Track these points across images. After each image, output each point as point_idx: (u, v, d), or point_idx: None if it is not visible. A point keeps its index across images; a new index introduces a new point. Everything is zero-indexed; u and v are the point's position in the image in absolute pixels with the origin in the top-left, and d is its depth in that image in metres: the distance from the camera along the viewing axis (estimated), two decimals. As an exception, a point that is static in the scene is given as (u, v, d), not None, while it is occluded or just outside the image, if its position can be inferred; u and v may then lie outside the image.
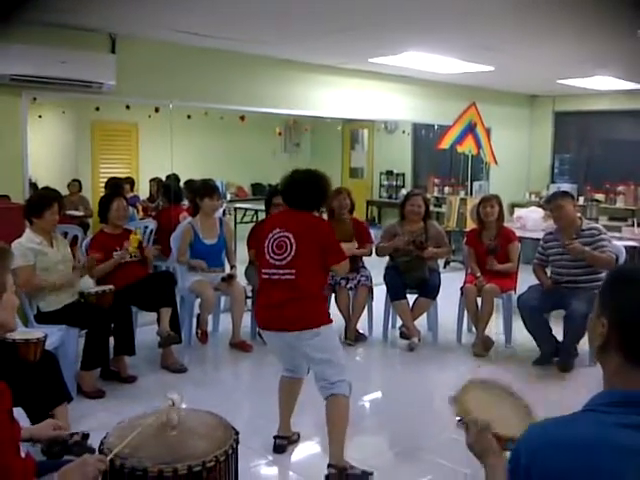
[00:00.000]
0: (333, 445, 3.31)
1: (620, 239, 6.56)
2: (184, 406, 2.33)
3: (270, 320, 3.40)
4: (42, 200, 4.32)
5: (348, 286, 5.57)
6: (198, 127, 9.22)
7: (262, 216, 7.62)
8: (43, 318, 4.26)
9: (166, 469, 2.03)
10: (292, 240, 3.33)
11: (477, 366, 5.07)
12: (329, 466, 3.28)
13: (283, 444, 3.65)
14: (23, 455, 1.90)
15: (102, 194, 6.14)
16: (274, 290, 3.36)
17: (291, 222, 3.41)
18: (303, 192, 3.44)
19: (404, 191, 10.27)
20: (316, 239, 3.35)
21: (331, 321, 3.44)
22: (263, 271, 3.42)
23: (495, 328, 5.58)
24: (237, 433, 2.28)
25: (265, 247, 3.40)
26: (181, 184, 7.71)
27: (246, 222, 10.08)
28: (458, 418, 1.82)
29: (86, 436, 3.44)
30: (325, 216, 5.57)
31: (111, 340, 4.48)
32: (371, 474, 3.33)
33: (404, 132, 11.37)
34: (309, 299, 3.33)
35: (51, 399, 3.44)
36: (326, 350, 3.35)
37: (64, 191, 8.12)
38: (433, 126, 9.86)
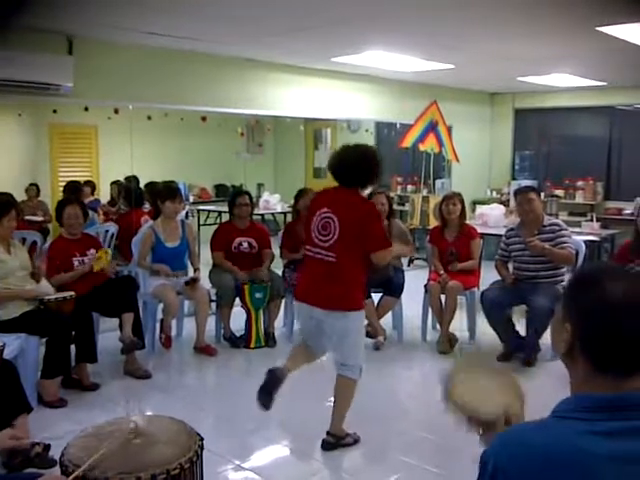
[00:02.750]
0: (334, 417, 3.63)
1: (580, 234, 6.67)
2: (148, 413, 2.29)
3: (307, 294, 3.54)
4: (-2, 207, 4.20)
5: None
6: (158, 128, 9.10)
7: (225, 217, 7.56)
8: (1, 327, 4.14)
9: (128, 478, 1.99)
10: (336, 223, 3.37)
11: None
12: (327, 433, 3.63)
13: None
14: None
15: (61, 198, 6.03)
16: (316, 267, 3.47)
17: (337, 203, 3.43)
18: (351, 167, 3.42)
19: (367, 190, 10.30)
20: (358, 223, 3.35)
21: (362, 308, 3.53)
22: (307, 248, 3.54)
23: (459, 325, 5.62)
24: (202, 439, 2.25)
25: (312, 225, 3.48)
26: (142, 186, 7.60)
27: (210, 224, 9.98)
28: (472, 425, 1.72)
29: (47, 447, 3.40)
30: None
31: (72, 347, 4.39)
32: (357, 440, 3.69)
33: (367, 131, 11.39)
34: (346, 283, 3.41)
35: (11, 409, 3.36)
36: (349, 334, 3.47)
37: (22, 196, 7.95)
38: (395, 125, 9.92)
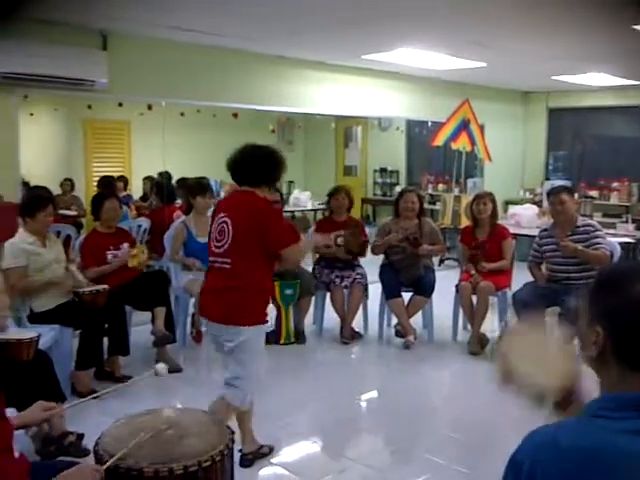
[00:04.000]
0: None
1: (614, 236, 6.56)
2: (179, 405, 2.31)
3: (205, 308, 3.28)
4: (35, 201, 4.26)
5: (343, 284, 5.56)
6: (191, 125, 9.17)
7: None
8: (36, 318, 4.22)
9: (162, 469, 2.01)
10: (229, 226, 3.11)
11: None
12: (242, 454, 3.39)
13: (249, 459, 3.44)
14: (17, 455, 1.87)
15: (95, 193, 6.10)
16: (213, 277, 3.21)
17: (232, 205, 3.21)
18: (246, 164, 3.20)
19: (398, 189, 10.25)
20: (253, 223, 3.07)
21: (261, 322, 3.16)
22: (210, 258, 3.25)
23: (490, 325, 5.57)
24: (232, 432, 2.27)
25: (211, 233, 3.25)
26: (174, 182, 7.67)
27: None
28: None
29: (81, 436, 3.46)
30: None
31: (105, 340, 4.45)
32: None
33: (398, 129, 11.36)
34: (243, 290, 3.07)
35: (45, 399, 3.39)
36: (241, 352, 3.11)
37: (56, 190, 8.06)
38: (427, 123, 9.86)
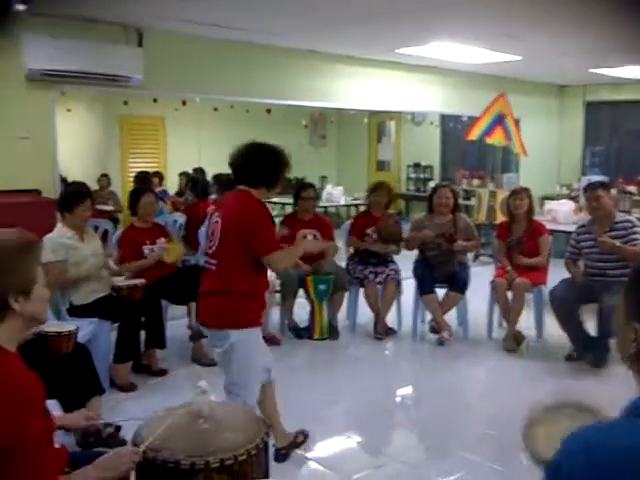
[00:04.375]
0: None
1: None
2: (213, 397, 2.32)
3: (198, 311, 3.23)
4: (74, 195, 4.34)
5: (377, 280, 5.54)
6: (224, 120, 9.24)
7: (289, 209, 7.60)
8: (75, 311, 4.29)
9: (198, 462, 2.02)
10: (219, 226, 3.02)
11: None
12: (277, 450, 3.37)
13: (284, 453, 3.44)
14: (57, 446, 1.91)
15: (131, 188, 6.18)
16: (204, 279, 3.14)
17: (226, 205, 3.11)
18: (246, 163, 3.07)
19: (432, 184, 10.19)
20: (240, 224, 2.95)
21: (250, 325, 3.03)
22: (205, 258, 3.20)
23: (526, 322, 5.50)
24: (268, 426, 2.27)
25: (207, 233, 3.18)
26: (208, 177, 7.73)
27: (273, 216, 10.07)
28: None
29: (119, 428, 3.51)
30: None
31: (142, 333, 4.51)
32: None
33: (432, 124, 11.29)
34: (229, 294, 2.98)
35: (84, 391, 3.48)
36: (233, 358, 3.02)
37: (93, 186, 8.19)
38: (461, 117, 9.77)
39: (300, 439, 3.53)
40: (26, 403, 1.71)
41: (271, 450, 3.39)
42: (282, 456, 3.43)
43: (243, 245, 2.95)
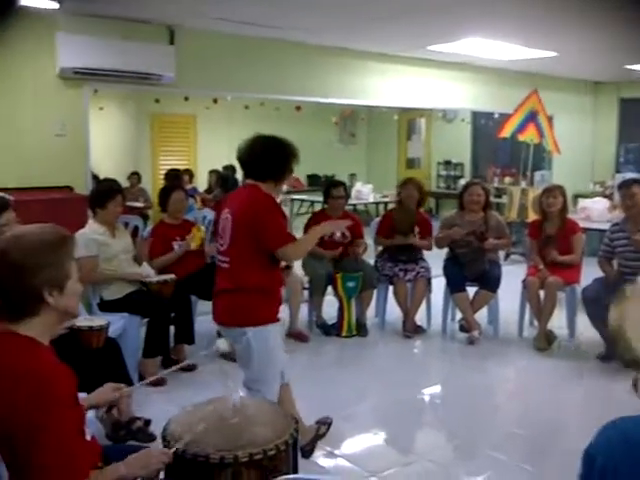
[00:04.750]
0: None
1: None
2: (241, 393, 2.33)
3: (214, 310, 3.18)
4: (106, 192, 4.41)
5: (406, 278, 5.51)
6: (255, 118, 9.26)
7: (318, 207, 7.61)
8: (106, 306, 4.35)
9: (227, 456, 2.03)
10: (230, 223, 2.98)
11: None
12: (302, 448, 3.26)
13: (308, 450, 3.42)
14: (89, 438, 1.93)
15: (161, 186, 6.23)
16: (218, 276, 3.10)
17: (236, 201, 3.05)
18: (253, 156, 3.03)
19: (462, 181, 10.12)
20: (250, 220, 2.91)
21: (268, 322, 3.02)
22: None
23: (558, 322, 5.42)
24: (297, 422, 2.27)
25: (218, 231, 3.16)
26: (238, 175, 7.77)
27: (302, 213, 10.10)
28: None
29: (148, 422, 3.54)
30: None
31: (171, 329, 4.54)
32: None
33: (463, 121, 11.20)
34: (243, 291, 2.96)
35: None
36: (252, 355, 2.99)
37: (124, 183, 8.28)
38: (493, 114, 9.67)
39: (322, 430, 3.50)
40: (59, 396, 1.73)
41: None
42: (307, 452, 3.42)
43: (254, 241, 2.92)
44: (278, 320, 3.12)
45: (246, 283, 2.96)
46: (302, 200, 10.57)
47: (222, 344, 2.41)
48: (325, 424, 3.53)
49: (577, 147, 9.76)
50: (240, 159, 3.09)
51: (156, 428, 3.35)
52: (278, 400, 3.16)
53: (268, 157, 3.01)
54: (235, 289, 2.97)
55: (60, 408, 1.72)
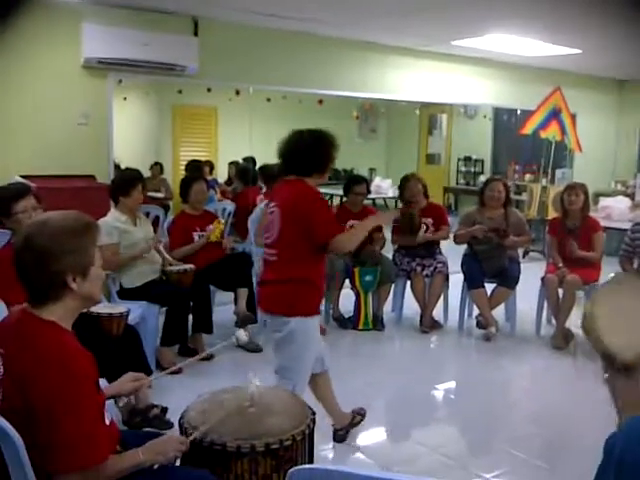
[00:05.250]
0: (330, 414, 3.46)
1: None
2: (258, 382, 2.35)
3: (259, 299, 3.30)
4: (129, 179, 4.46)
5: (424, 273, 5.51)
6: (277, 111, 9.25)
7: (337, 201, 7.61)
8: (125, 294, 4.39)
9: (244, 445, 2.05)
10: (278, 216, 3.04)
11: None
12: (335, 430, 3.48)
13: (342, 434, 3.52)
14: (108, 423, 1.96)
15: (182, 177, 6.27)
16: (264, 269, 3.18)
17: (282, 195, 3.10)
18: (293, 153, 3.08)
19: (482, 178, 10.05)
20: (300, 213, 2.97)
21: (310, 314, 3.09)
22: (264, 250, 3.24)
23: (576, 320, 5.39)
24: (314, 413, 2.29)
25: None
26: (257, 167, 7.78)
27: (321, 206, 10.09)
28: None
29: (165, 410, 3.58)
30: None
31: (190, 318, 4.58)
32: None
33: (485, 117, 11.11)
34: (289, 282, 3.03)
35: (133, 372, 3.54)
36: (290, 343, 3.07)
37: (146, 173, 8.31)
38: (515, 111, 9.59)
39: (357, 419, 3.57)
40: (81, 379, 1.76)
41: (330, 431, 3.48)
42: (340, 436, 3.50)
43: (303, 234, 2.97)
44: (318, 313, 3.21)
45: (293, 275, 3.02)
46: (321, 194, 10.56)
47: (241, 335, 2.44)
48: (360, 414, 3.61)
49: (599, 145, 9.66)
50: (282, 156, 3.14)
51: (172, 415, 3.39)
52: (318, 386, 3.31)
53: (310, 152, 3.06)
54: (283, 280, 3.04)
55: (82, 391, 1.76)
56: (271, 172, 5.85)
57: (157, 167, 9.49)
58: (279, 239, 3.04)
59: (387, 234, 5.84)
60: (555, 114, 7.84)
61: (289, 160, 3.11)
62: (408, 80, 7.60)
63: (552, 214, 7.13)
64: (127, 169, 5.55)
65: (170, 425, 3.40)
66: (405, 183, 5.63)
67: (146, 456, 1.90)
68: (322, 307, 5.55)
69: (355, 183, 5.62)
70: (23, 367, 1.75)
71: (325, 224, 2.97)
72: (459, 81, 8.06)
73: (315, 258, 3.07)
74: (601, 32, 6.12)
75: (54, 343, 1.78)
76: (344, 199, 5.76)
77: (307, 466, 1.50)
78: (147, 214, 5.37)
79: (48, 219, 1.87)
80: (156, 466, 1.91)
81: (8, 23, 5.04)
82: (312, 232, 2.96)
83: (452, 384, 4.71)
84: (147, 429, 3.36)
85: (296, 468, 1.40)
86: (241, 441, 2.06)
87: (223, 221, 5.25)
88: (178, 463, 2.08)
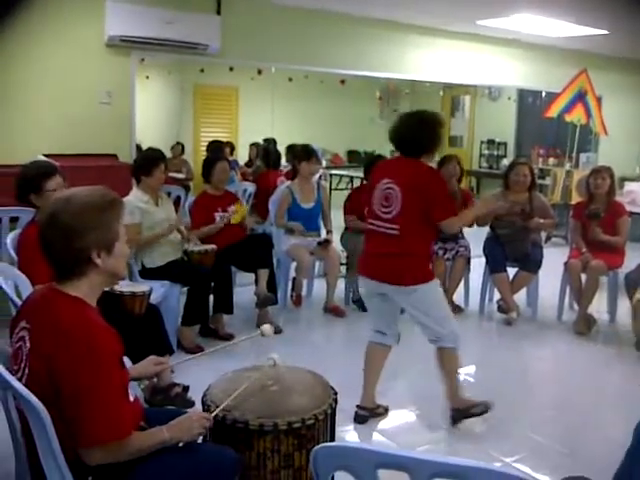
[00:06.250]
0: (446, 391, 3.54)
1: None
2: (276, 355, 2.36)
3: (373, 269, 3.40)
4: (151, 159, 4.46)
5: (446, 256, 5.47)
6: (298, 91, 9.18)
7: (357, 183, 7.58)
8: (147, 273, 4.41)
9: (267, 423, 2.06)
10: (399, 193, 3.23)
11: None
12: (451, 410, 3.53)
13: (364, 415, 3.56)
14: (132, 399, 1.97)
15: (203, 157, 6.26)
16: (379, 241, 3.34)
17: (400, 173, 3.30)
18: (410, 134, 3.29)
19: (505, 161, 9.94)
20: (423, 192, 3.20)
21: (432, 278, 3.35)
22: (369, 221, 3.42)
23: (598, 306, 5.34)
24: (336, 393, 2.29)
25: (372, 197, 3.37)
26: (279, 148, 7.75)
27: (341, 189, 10.06)
28: None
29: (186, 388, 3.60)
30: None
31: (210, 298, 4.59)
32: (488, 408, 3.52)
33: (509, 99, 10.96)
34: (411, 256, 3.27)
35: (154, 351, 3.54)
36: (429, 307, 3.34)
37: (167, 153, 8.31)
38: (540, 93, 9.45)
39: (476, 410, 3.57)
40: (106, 354, 1.77)
41: (350, 411, 3.50)
42: (454, 419, 3.54)
43: (423, 211, 3.21)
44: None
45: (413, 249, 3.27)
46: (341, 176, 10.51)
47: (267, 329, 2.44)
48: (480, 407, 3.56)
49: (625, 129, 9.50)
50: (397, 140, 3.35)
51: (193, 394, 3.41)
52: (447, 362, 3.46)
53: (424, 134, 3.28)
54: (404, 254, 3.26)
55: (107, 366, 1.76)
56: (296, 151, 5.83)
57: (178, 147, 9.46)
58: (401, 215, 3.23)
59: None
60: (580, 97, 7.71)
61: (404, 142, 3.32)
62: (431, 60, 7.52)
63: (576, 199, 7.04)
64: (150, 149, 5.55)
65: (191, 404, 3.42)
66: (445, 163, 5.60)
67: (171, 434, 1.91)
68: (342, 290, 5.62)
69: (373, 163, 5.58)
70: (49, 342, 1.76)
71: (443, 204, 3.24)
72: (484, 62, 7.96)
73: (431, 234, 3.38)
74: (628, 12, 5.98)
75: (79, 318, 1.79)
76: (364, 182, 5.73)
77: (332, 444, 1.50)
78: (168, 194, 5.37)
79: (72, 195, 1.87)
80: (181, 444, 1.92)
81: (32, 1, 5.04)
82: (431, 210, 3.21)
83: (472, 368, 4.68)
84: (169, 407, 3.38)
85: (321, 445, 1.40)
86: (264, 419, 2.07)
87: (245, 204, 5.25)
88: (201, 440, 2.09)
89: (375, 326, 3.60)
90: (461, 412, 3.52)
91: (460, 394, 3.54)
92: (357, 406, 3.56)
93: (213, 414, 2.06)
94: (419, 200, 3.20)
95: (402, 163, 3.36)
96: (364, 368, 3.61)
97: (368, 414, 3.56)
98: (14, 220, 4.32)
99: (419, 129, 3.28)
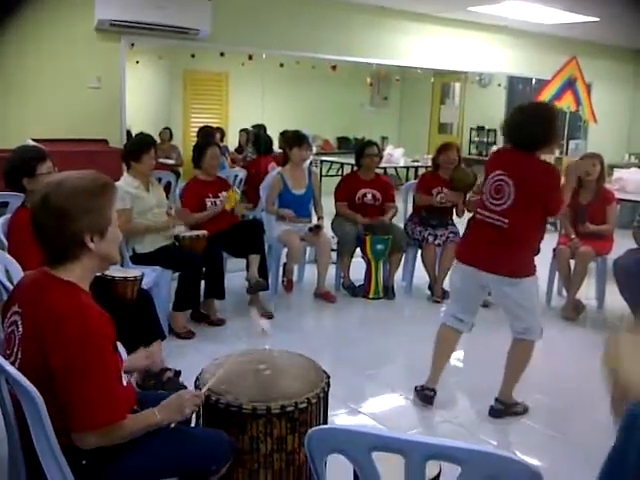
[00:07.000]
0: (504, 382, 3.54)
1: None
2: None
3: (477, 257, 3.38)
4: (141, 144, 4.44)
5: (436, 242, 5.49)
6: (289, 76, 9.14)
7: (347, 170, 7.57)
8: (138, 259, 4.40)
9: (260, 407, 2.07)
10: (512, 187, 3.21)
11: None
12: (496, 400, 3.53)
13: (430, 395, 3.61)
14: (125, 383, 1.98)
15: (193, 143, 6.23)
16: (486, 231, 3.33)
17: (514, 166, 3.25)
18: (527, 129, 3.21)
19: (495, 148, 9.96)
20: (539, 189, 3.18)
21: (534, 274, 3.37)
22: (478, 211, 3.41)
23: (587, 292, 5.38)
24: (328, 377, 2.30)
25: (485, 188, 3.37)
26: (270, 133, 7.73)
27: (331, 175, 10.05)
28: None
29: (178, 373, 3.61)
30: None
31: (202, 284, 4.59)
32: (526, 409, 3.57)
33: (499, 85, 10.97)
34: (518, 248, 3.27)
35: (146, 336, 3.56)
36: (526, 300, 3.36)
37: (157, 139, 8.27)
38: (530, 80, 9.47)
39: (518, 409, 3.59)
40: (100, 338, 1.78)
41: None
42: (495, 412, 3.56)
43: (539, 204, 3.21)
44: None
45: (525, 242, 3.29)
46: (331, 162, 10.50)
47: (266, 325, 2.44)
48: (521, 407, 3.61)
49: (614, 117, 9.55)
50: (512, 134, 3.30)
51: (185, 379, 3.42)
52: (522, 354, 3.53)
53: (541, 129, 3.22)
54: (512, 245, 3.26)
55: (100, 350, 1.77)
56: (287, 137, 5.83)
57: (166, 132, 9.39)
58: (513, 208, 3.21)
59: (399, 204, 5.82)
60: (570, 84, 7.70)
61: (518, 137, 3.26)
62: (422, 46, 7.51)
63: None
64: (140, 134, 5.52)
65: (183, 388, 3.43)
66: (445, 149, 5.62)
67: (162, 415, 1.92)
68: (332, 274, 5.64)
69: (366, 146, 5.64)
70: (42, 326, 1.76)
71: (559, 197, 3.24)
72: (474, 48, 7.96)
73: (542, 227, 3.35)
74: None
75: (72, 302, 1.79)
76: (355, 168, 5.75)
77: (327, 426, 1.51)
78: (159, 180, 5.36)
79: (65, 179, 1.86)
80: (173, 425, 1.93)
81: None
82: (549, 204, 3.22)
83: (460, 353, 4.71)
84: (161, 391, 3.39)
85: (315, 428, 1.41)
86: (257, 403, 2.08)
87: (238, 190, 5.24)
88: (194, 424, 2.11)
89: (455, 311, 3.60)
90: (506, 407, 3.54)
91: (512, 391, 3.57)
92: (422, 387, 3.64)
93: (204, 389, 2.07)
94: (533, 196, 3.18)
95: (517, 156, 3.28)
96: (435, 350, 3.64)
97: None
98: (3, 205, 4.30)
99: (535, 123, 3.20)
